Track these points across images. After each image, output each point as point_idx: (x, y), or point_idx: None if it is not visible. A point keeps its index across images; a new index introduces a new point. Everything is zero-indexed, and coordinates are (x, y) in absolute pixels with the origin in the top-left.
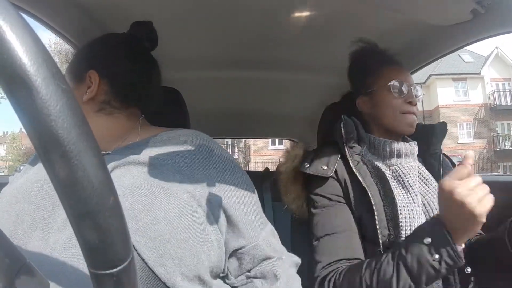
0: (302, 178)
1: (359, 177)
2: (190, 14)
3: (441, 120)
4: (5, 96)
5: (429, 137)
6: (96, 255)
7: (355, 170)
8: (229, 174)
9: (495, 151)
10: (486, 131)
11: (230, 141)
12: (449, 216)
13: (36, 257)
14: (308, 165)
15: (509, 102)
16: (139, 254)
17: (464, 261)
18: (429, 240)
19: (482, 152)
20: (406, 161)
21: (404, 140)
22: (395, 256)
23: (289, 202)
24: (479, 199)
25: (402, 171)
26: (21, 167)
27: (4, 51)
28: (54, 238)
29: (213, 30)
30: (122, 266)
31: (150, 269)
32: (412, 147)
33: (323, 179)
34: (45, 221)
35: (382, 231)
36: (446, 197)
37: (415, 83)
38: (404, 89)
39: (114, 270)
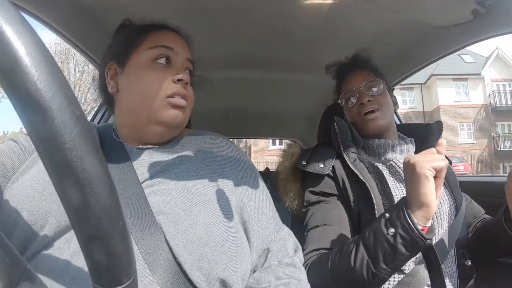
0: (300, 175)
1: (357, 172)
2: (190, 15)
3: (442, 121)
4: (5, 96)
5: (426, 136)
6: (102, 274)
7: (352, 167)
8: (252, 179)
9: (496, 151)
10: (486, 132)
11: None
12: (408, 187)
13: (42, 257)
14: (305, 163)
15: (509, 103)
16: (176, 258)
17: (428, 239)
18: (387, 215)
19: (482, 152)
20: (402, 156)
21: (402, 139)
22: (358, 235)
23: (290, 201)
24: (427, 160)
25: (398, 165)
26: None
27: (20, 72)
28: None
29: (214, 31)
30: (126, 284)
31: (185, 275)
32: (408, 145)
33: (319, 177)
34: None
35: None
36: (405, 165)
37: (415, 84)
38: (351, 98)
39: (119, 287)
